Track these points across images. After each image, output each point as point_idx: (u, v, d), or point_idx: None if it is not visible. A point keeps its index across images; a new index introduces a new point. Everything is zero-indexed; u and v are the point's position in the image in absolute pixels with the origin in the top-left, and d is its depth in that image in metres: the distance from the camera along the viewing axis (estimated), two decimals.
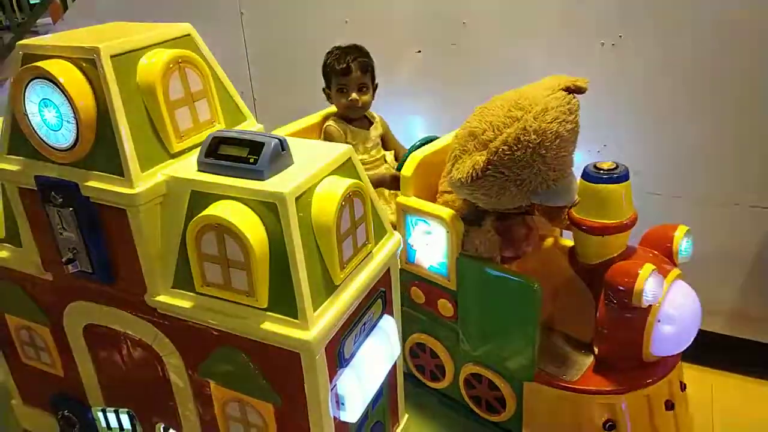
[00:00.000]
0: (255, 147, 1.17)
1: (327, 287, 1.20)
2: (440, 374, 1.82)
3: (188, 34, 1.37)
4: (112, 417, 1.62)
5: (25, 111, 1.23)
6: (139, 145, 1.21)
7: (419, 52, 2.19)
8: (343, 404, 1.27)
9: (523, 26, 1.99)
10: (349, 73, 1.85)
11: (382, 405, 1.52)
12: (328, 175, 1.23)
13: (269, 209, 1.13)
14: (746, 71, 1.76)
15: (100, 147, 1.22)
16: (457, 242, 1.56)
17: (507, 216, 1.54)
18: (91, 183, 1.23)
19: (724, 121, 1.86)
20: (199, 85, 1.32)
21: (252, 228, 1.12)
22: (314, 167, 1.20)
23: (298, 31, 2.43)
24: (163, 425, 1.55)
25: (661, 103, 1.90)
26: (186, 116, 1.29)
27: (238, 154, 1.18)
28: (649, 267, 1.42)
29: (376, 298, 1.38)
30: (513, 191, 1.38)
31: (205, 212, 1.14)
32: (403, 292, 1.59)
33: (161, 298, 1.27)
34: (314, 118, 2.01)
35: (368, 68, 1.89)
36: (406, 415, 1.70)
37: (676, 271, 1.53)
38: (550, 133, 1.28)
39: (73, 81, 1.18)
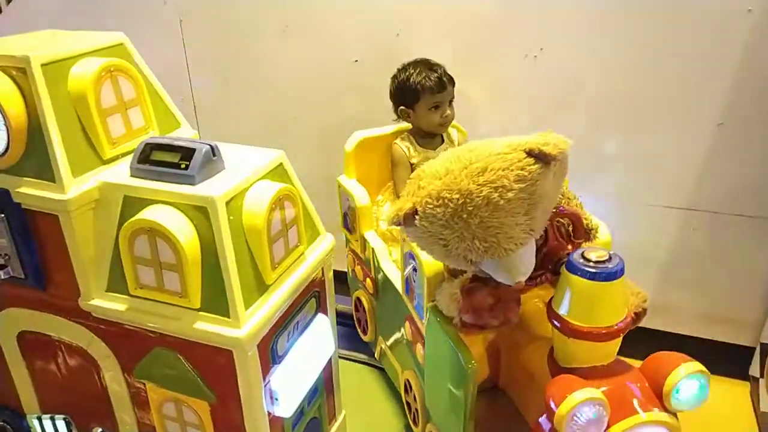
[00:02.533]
0: (187, 153, 1.21)
1: (259, 287, 1.26)
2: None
3: (121, 43, 1.40)
4: (48, 424, 1.61)
5: None
6: (70, 151, 1.24)
7: (356, 61, 2.27)
8: (276, 399, 1.32)
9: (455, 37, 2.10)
10: (444, 89, 1.77)
11: (318, 402, 1.58)
12: (259, 179, 1.28)
13: (200, 213, 1.17)
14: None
15: (32, 154, 1.24)
16: (431, 290, 1.41)
17: (481, 279, 1.32)
18: (22, 189, 1.24)
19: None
20: (132, 93, 1.36)
21: (183, 231, 1.16)
22: (245, 172, 1.25)
23: (239, 38, 2.46)
24: (100, 429, 1.56)
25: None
26: (118, 123, 1.33)
27: (170, 160, 1.22)
28: (588, 393, 1.11)
29: (310, 297, 1.44)
30: (439, 252, 1.21)
31: (138, 216, 1.18)
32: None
33: (95, 301, 1.30)
34: (386, 130, 1.97)
35: (453, 80, 1.81)
36: (344, 412, 1.76)
37: (649, 417, 1.17)
38: (478, 197, 1.09)
39: (4, 89, 1.20)
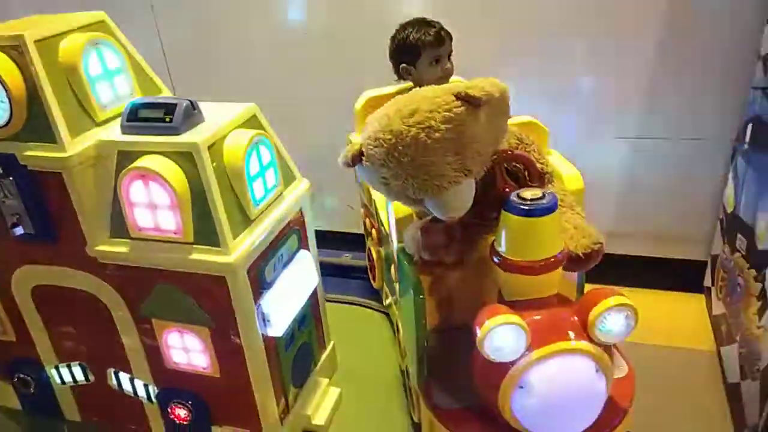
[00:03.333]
0: (169, 108, 1.39)
1: (243, 221, 1.44)
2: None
3: (102, 20, 1.56)
4: (65, 372, 1.80)
5: None
6: (67, 116, 1.41)
7: None
8: (268, 321, 1.51)
9: None
10: (443, 43, 1.79)
11: (308, 329, 1.78)
12: (236, 128, 1.46)
13: (186, 159, 1.35)
14: None
15: (33, 121, 1.41)
16: (400, 232, 1.51)
17: (437, 219, 1.37)
18: (27, 152, 1.41)
19: None
20: (116, 63, 1.53)
21: (173, 174, 1.34)
22: (222, 122, 1.43)
23: (211, 18, 2.61)
24: (113, 370, 1.74)
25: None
26: (107, 89, 1.50)
27: (155, 116, 1.39)
28: (504, 318, 1.19)
29: (291, 233, 1.63)
30: (383, 190, 1.29)
31: (132, 164, 1.35)
32: None
33: (101, 247, 1.48)
34: (392, 89, 1.99)
35: (451, 36, 1.83)
36: (332, 342, 1.96)
37: (568, 345, 1.23)
38: (407, 137, 1.16)
39: (3, 66, 1.37)
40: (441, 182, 1.20)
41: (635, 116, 2.35)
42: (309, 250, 1.73)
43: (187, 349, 1.55)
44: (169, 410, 1.67)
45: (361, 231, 2.37)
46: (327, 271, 2.10)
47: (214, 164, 1.38)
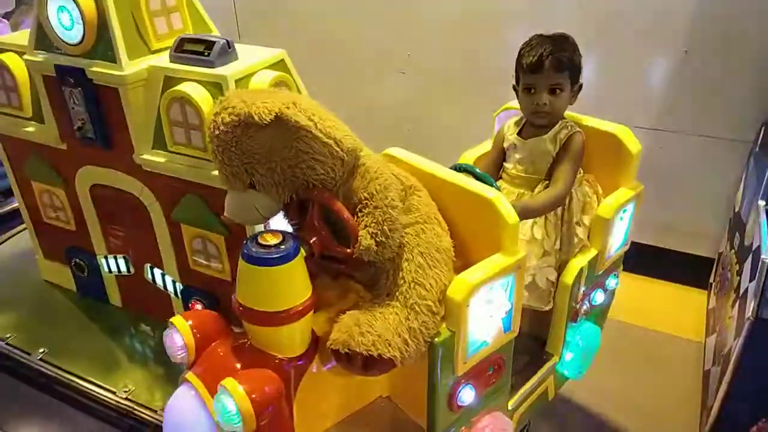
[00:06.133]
0: (209, 45, 1.63)
1: None
2: None
3: None
4: (112, 262, 2.13)
5: (47, 15, 1.70)
6: (128, 42, 1.68)
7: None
8: None
9: None
10: (539, 70, 1.52)
11: None
12: (264, 68, 1.69)
13: (216, 88, 1.60)
14: None
15: (101, 43, 1.69)
16: None
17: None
18: (93, 68, 1.70)
19: None
20: (173, 1, 1.78)
21: (204, 100, 1.59)
22: (252, 62, 1.67)
23: None
24: (149, 265, 2.05)
25: None
26: (163, 24, 1.76)
27: (197, 50, 1.64)
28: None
29: None
30: None
31: (173, 88, 1.62)
32: None
33: (145, 156, 1.76)
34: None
35: (567, 66, 1.53)
36: None
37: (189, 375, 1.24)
38: (208, 129, 1.18)
39: None
40: (223, 183, 1.22)
41: (657, 108, 2.42)
42: None
43: (208, 254, 1.83)
44: (190, 305, 1.97)
45: None
46: None
47: None
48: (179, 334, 1.25)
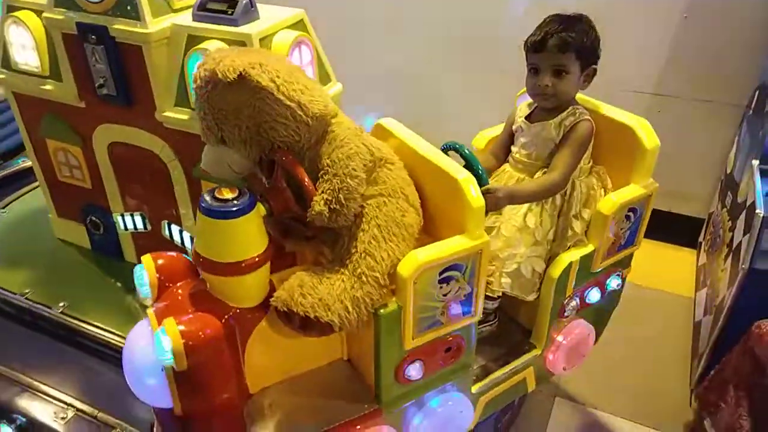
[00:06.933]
0: (232, 3, 1.68)
1: None
2: None
3: None
4: (128, 219, 2.18)
5: None
6: (151, 0, 1.71)
7: None
8: None
9: None
10: (541, 50, 1.47)
11: None
12: (284, 28, 1.74)
13: (240, 46, 1.64)
14: None
15: (123, 0, 1.72)
16: None
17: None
18: (116, 26, 1.73)
19: None
20: None
21: None
22: (274, 21, 1.71)
23: None
24: (167, 222, 2.11)
25: None
26: None
27: (220, 8, 1.68)
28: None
29: None
30: None
31: (196, 46, 1.66)
32: None
33: (167, 113, 1.81)
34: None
35: (574, 47, 1.46)
36: None
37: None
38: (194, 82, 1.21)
39: None
40: (202, 134, 1.25)
41: (657, 72, 2.50)
42: None
43: None
44: None
45: None
46: None
47: None
48: (145, 272, 1.31)
